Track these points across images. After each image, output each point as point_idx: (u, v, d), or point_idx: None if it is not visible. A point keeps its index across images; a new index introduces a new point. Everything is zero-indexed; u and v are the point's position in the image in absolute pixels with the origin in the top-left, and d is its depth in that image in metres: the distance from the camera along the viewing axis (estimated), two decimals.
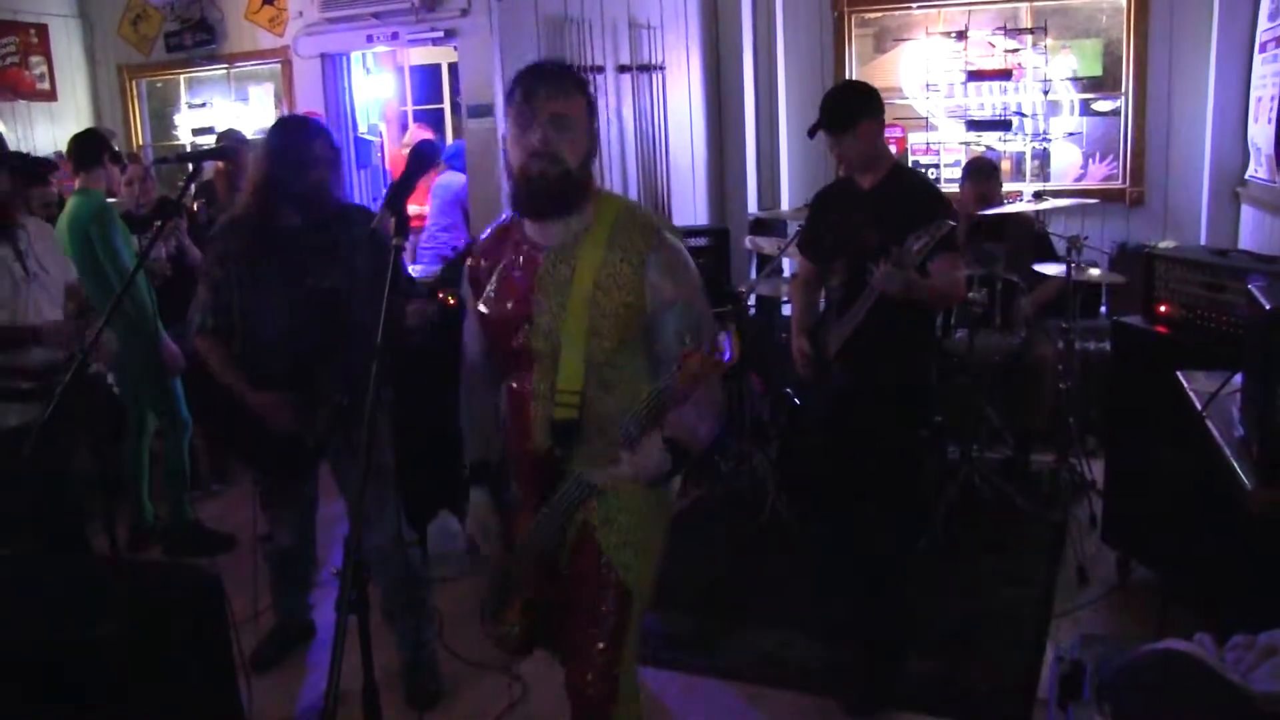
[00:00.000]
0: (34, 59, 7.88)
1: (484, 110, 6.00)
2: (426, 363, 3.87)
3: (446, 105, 9.15)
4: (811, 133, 3.66)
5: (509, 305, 2.31)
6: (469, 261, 2.41)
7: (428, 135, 7.63)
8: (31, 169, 4.65)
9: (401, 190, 1.97)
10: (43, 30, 7.92)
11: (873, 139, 3.55)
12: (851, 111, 3.51)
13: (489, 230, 2.44)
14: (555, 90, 2.16)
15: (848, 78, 7.29)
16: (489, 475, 2.49)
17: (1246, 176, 5.95)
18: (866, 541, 3.66)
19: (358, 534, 1.82)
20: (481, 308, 2.38)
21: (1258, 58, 5.80)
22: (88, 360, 3.14)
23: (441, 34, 6.07)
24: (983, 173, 5.49)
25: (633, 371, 2.27)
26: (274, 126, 3.59)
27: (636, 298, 2.21)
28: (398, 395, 3.59)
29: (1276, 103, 5.15)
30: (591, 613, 2.34)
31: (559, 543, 2.35)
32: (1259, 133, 5.63)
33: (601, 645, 2.33)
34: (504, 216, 2.41)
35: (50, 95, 8.00)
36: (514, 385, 2.35)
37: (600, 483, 2.16)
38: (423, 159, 2.04)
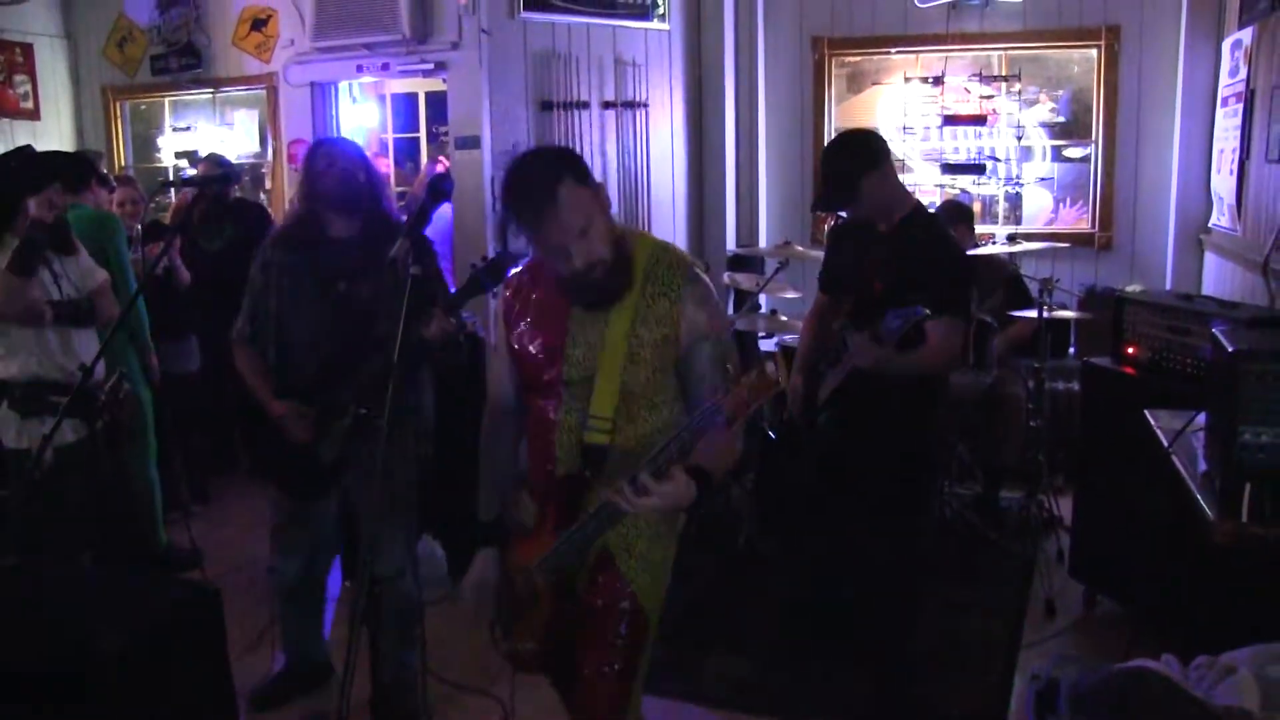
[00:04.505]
0: (18, 78, 7.91)
1: (471, 142, 6.09)
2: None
3: (422, 134, 9.25)
4: (813, 210, 3.54)
5: (543, 339, 2.36)
6: (504, 296, 2.45)
7: (439, 168, 7.69)
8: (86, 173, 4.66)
9: (419, 221, 2.06)
10: (28, 49, 7.95)
11: (880, 191, 3.36)
12: (850, 180, 3.33)
13: (520, 267, 2.47)
14: (559, 209, 2.13)
15: (826, 118, 7.48)
16: (500, 537, 2.50)
17: (1210, 224, 6.15)
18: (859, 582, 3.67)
19: (372, 549, 1.89)
20: (514, 343, 2.42)
21: (1220, 111, 6.01)
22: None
23: (431, 66, 6.16)
24: (951, 218, 5.57)
25: (664, 400, 2.33)
26: (320, 144, 3.63)
27: (673, 329, 2.28)
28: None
29: (1238, 155, 5.34)
30: (608, 636, 2.37)
31: (578, 565, 2.37)
32: (1221, 183, 5.83)
33: (616, 668, 2.38)
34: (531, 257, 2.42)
35: (34, 114, 8.02)
36: (540, 412, 2.39)
37: (627, 510, 2.11)
38: (437, 192, 2.14)
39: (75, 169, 4.88)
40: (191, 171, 7.53)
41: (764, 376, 1.93)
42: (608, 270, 2.22)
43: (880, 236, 3.44)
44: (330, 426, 3.37)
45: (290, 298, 3.43)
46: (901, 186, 3.52)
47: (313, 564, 3.75)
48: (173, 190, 7.55)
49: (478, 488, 2.57)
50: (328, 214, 3.44)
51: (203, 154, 7.82)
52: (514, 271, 2.48)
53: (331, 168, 3.39)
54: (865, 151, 3.39)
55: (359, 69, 6.52)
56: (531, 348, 2.38)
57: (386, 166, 8.68)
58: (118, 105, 8.30)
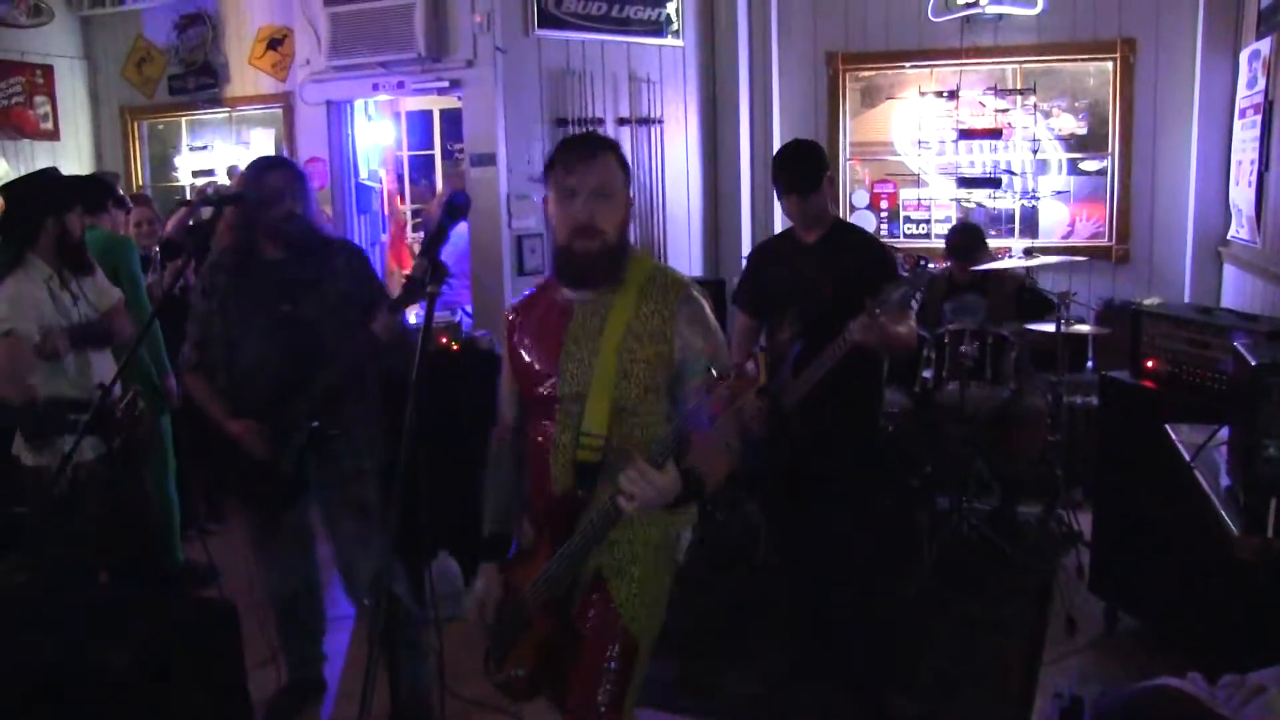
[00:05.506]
0: (39, 99, 7.99)
1: (487, 159, 6.12)
2: (430, 401, 3.91)
3: (437, 151, 9.30)
4: (780, 193, 3.66)
5: (542, 354, 2.40)
6: (508, 319, 2.51)
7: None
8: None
9: (437, 240, 2.07)
10: (48, 71, 8.04)
11: (828, 194, 3.64)
12: (817, 172, 3.57)
13: (529, 291, 2.54)
14: (596, 162, 2.27)
15: (841, 132, 7.48)
16: (504, 550, 2.53)
17: (1228, 236, 6.12)
18: (845, 581, 3.70)
19: (390, 566, 1.89)
20: (515, 359, 2.47)
21: (1238, 123, 5.98)
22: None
23: (446, 84, 6.20)
24: (968, 246, 5.54)
25: (656, 418, 2.35)
26: (260, 174, 3.60)
27: (666, 347, 2.31)
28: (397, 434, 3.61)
29: (1256, 166, 5.31)
30: (597, 662, 2.37)
31: (571, 585, 2.37)
32: (1239, 195, 5.80)
33: (604, 694, 2.36)
34: (543, 277, 2.50)
35: (53, 135, 8.10)
36: (537, 431, 2.42)
37: (626, 507, 2.12)
38: (455, 210, 2.14)
39: (92, 191, 4.93)
40: (228, 183, 7.62)
41: (743, 374, 1.96)
42: (603, 249, 2.28)
43: (807, 248, 3.65)
44: (287, 438, 3.43)
45: (237, 321, 3.49)
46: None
47: (304, 576, 3.81)
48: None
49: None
50: (259, 239, 3.50)
51: (220, 173, 7.92)
52: (522, 296, 2.53)
53: (271, 205, 3.42)
54: (823, 154, 3.72)
55: (374, 87, 6.56)
56: (530, 362, 2.43)
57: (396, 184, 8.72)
58: (136, 125, 8.37)
